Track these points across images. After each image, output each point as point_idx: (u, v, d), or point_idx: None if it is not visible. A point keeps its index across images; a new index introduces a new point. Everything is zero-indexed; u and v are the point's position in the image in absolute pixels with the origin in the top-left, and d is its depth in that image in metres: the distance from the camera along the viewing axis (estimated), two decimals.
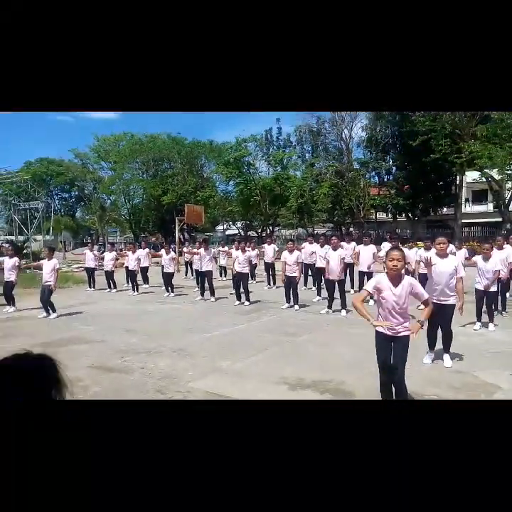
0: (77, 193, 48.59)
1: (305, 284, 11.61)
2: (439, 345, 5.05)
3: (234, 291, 9.80)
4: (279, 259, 9.45)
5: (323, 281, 9.17)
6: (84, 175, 43.22)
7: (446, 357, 4.93)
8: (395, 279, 3.34)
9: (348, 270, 9.92)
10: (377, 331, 3.46)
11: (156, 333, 6.84)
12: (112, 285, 12.50)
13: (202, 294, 10.57)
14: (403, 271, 3.47)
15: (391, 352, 3.39)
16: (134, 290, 11.87)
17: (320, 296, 9.81)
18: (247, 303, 9.46)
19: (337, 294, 8.27)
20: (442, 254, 4.93)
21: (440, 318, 4.94)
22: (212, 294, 10.28)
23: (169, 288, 11.31)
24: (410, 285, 3.34)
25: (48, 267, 8.37)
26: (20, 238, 25.47)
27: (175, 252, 13.83)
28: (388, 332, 3.26)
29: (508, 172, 21.77)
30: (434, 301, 4.89)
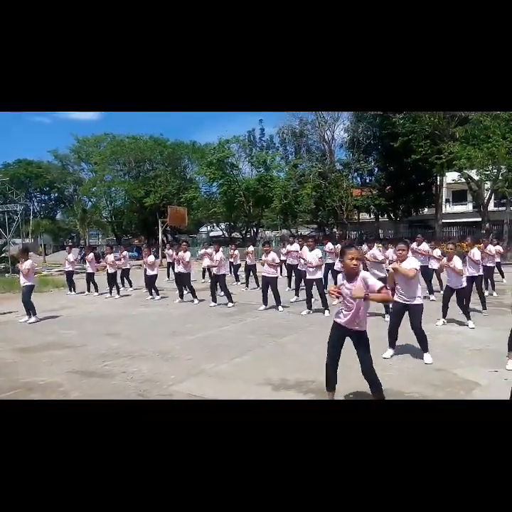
0: (57, 195, 47.70)
1: (289, 285, 11.62)
2: (414, 343, 5.12)
3: (222, 293, 9.79)
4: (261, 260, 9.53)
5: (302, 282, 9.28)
6: (65, 176, 42.46)
7: (425, 355, 5.01)
8: (351, 275, 3.45)
9: (329, 270, 10.06)
10: (334, 321, 3.65)
11: (139, 337, 6.75)
12: (93, 288, 12.31)
13: (181, 297, 10.55)
14: (361, 266, 3.55)
15: (342, 343, 3.62)
16: (113, 293, 11.72)
17: (298, 296, 9.91)
18: (230, 304, 9.45)
19: (316, 295, 8.34)
20: (402, 259, 5.16)
21: (409, 318, 5.08)
22: (194, 296, 10.23)
23: (153, 291, 11.20)
24: (363, 279, 3.37)
25: (24, 268, 8.22)
26: None
27: (157, 254, 13.68)
28: (335, 300, 3.43)
29: (486, 173, 22.24)
30: (401, 301, 5.06)
